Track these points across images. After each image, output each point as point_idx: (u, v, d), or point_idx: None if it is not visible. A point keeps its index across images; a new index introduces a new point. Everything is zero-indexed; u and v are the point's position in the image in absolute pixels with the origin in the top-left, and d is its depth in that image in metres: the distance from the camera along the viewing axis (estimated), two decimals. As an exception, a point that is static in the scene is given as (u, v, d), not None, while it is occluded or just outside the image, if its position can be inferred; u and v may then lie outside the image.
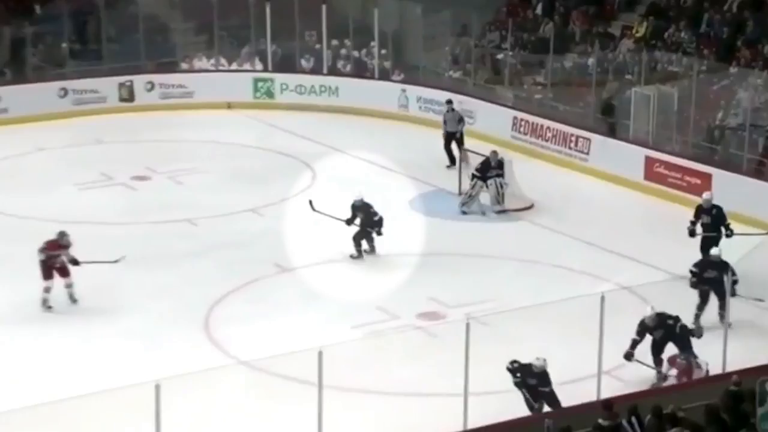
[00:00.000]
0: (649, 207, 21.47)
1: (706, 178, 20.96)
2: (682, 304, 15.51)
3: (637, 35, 25.94)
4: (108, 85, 27.32)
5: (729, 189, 19.77)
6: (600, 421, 11.87)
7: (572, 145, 23.69)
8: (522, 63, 26.81)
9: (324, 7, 27.67)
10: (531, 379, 13.27)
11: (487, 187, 20.80)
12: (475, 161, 21.25)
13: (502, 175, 20.75)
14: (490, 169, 20.71)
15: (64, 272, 16.61)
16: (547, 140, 24.22)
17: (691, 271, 15.92)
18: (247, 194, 21.70)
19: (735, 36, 24.41)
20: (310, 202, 19.38)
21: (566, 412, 12.68)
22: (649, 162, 22.11)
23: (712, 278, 15.66)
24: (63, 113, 26.57)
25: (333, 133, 25.21)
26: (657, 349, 14.46)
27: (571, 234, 19.71)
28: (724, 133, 22.24)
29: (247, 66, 28.53)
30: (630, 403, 12.16)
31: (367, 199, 18.67)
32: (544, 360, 13.26)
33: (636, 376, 14.41)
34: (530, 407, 13.24)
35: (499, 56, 27.15)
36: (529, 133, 24.60)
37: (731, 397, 12.23)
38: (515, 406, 13.19)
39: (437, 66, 27.84)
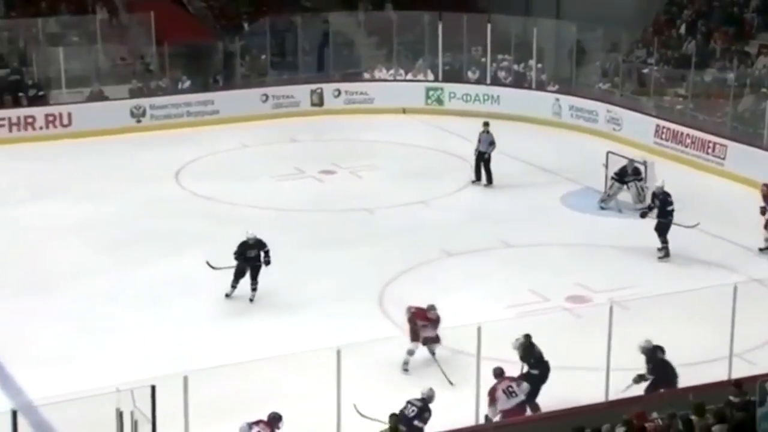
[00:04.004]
0: (781, 208, 20.64)
1: (836, 182, 20.02)
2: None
3: (774, 53, 25.02)
4: (302, 92, 27.75)
5: None
6: (731, 398, 11.45)
7: (710, 150, 22.98)
8: (665, 77, 26.18)
9: (489, 25, 27.55)
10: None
11: (627, 188, 20.41)
12: (616, 164, 20.75)
13: (639, 180, 20.29)
14: (627, 175, 20.35)
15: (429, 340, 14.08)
16: (686, 146, 23.58)
17: None
18: (417, 188, 21.74)
19: None
20: (208, 263, 16.25)
21: (702, 390, 12.22)
22: (782, 166, 21.28)
23: None
24: (264, 115, 27.11)
25: (494, 136, 25.01)
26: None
27: (707, 230, 19.07)
28: None
29: (420, 76, 28.59)
30: (761, 382, 11.64)
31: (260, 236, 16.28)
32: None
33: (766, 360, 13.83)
34: None
35: (645, 70, 26.56)
36: (670, 140, 23.97)
37: None
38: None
39: (588, 78, 27.40)
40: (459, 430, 11.55)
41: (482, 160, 21.95)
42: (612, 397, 12.40)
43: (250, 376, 12.53)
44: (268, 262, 15.96)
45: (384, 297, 16.45)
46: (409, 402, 11.79)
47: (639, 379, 12.68)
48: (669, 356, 12.94)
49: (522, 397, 12.33)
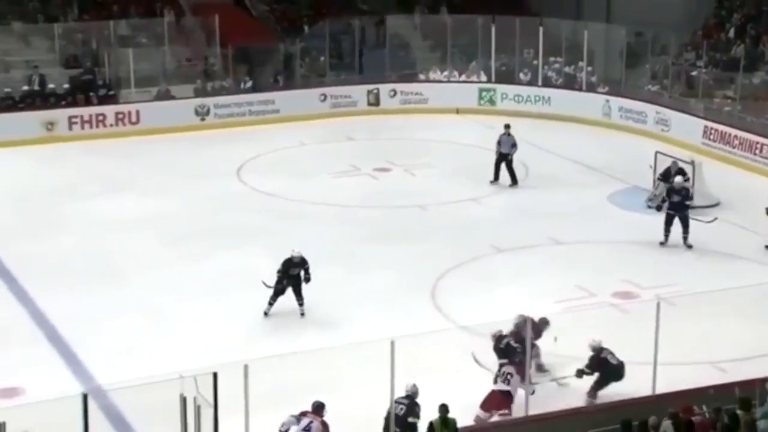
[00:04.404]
0: (827, 208, 20.27)
1: None
2: None
3: (823, 56, 24.61)
4: (359, 92, 27.83)
5: None
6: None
7: (757, 151, 22.65)
8: (714, 79, 25.88)
9: (541, 28, 27.39)
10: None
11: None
12: (664, 164, 20.51)
13: (685, 180, 20.03)
14: (671, 176, 20.06)
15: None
16: (734, 147, 23.27)
17: None
18: (469, 186, 21.70)
19: None
20: (264, 282, 15.65)
21: (747, 385, 12.04)
22: (829, 168, 20.94)
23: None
24: (322, 114, 27.23)
25: (545, 136, 24.92)
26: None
27: (753, 229, 18.82)
28: None
29: (473, 78, 28.53)
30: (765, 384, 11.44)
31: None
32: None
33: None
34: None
35: (694, 73, 26.26)
36: (718, 141, 23.66)
37: None
38: (699, 376, 12.72)
39: (637, 80, 27.15)
40: (464, 429, 11.49)
41: (504, 161, 21.75)
42: (659, 391, 12.28)
43: (306, 365, 12.61)
44: (308, 279, 15.43)
45: (436, 291, 16.45)
46: (396, 401, 11.54)
47: (580, 373, 12.70)
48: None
49: (508, 387, 12.30)
